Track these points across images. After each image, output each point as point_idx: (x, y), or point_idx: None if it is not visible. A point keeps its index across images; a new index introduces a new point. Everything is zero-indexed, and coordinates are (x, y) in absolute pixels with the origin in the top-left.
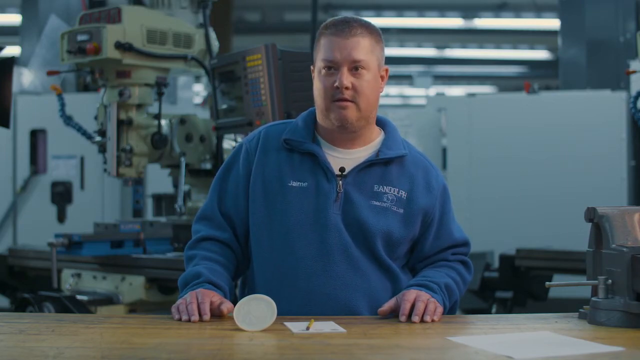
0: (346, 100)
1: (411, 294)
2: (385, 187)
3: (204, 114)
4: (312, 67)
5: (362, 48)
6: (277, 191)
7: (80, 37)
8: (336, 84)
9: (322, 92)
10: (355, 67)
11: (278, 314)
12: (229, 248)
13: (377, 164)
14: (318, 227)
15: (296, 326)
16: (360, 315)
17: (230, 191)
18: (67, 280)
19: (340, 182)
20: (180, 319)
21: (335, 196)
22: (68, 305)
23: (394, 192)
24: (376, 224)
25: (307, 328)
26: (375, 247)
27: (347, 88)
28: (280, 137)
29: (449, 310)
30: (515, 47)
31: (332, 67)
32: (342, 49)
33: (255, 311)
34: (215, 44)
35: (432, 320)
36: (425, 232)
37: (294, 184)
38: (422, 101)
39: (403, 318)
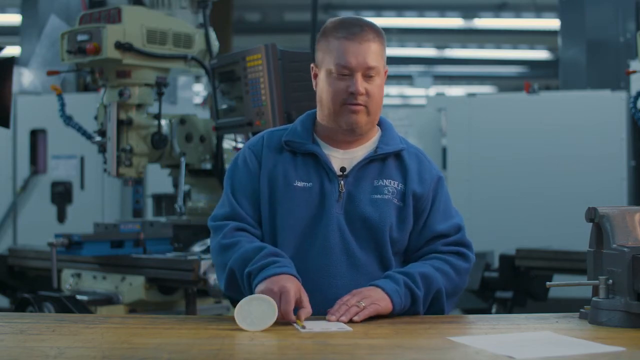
0: (359, 104)
1: (345, 297)
2: (384, 180)
3: (204, 114)
4: (313, 66)
5: (374, 53)
6: (282, 191)
7: (80, 37)
8: (351, 89)
9: (332, 96)
10: (368, 73)
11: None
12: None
13: (376, 160)
14: (321, 226)
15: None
16: None
17: (245, 193)
18: (67, 280)
19: (342, 182)
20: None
21: (337, 196)
22: (68, 305)
23: (393, 184)
24: (379, 217)
25: (303, 327)
26: (380, 242)
27: (361, 94)
28: (281, 141)
29: (432, 299)
30: (515, 47)
31: (345, 71)
32: (357, 54)
33: (256, 311)
34: (215, 44)
35: (352, 320)
36: (415, 224)
37: (299, 184)
38: (422, 101)
39: (332, 318)
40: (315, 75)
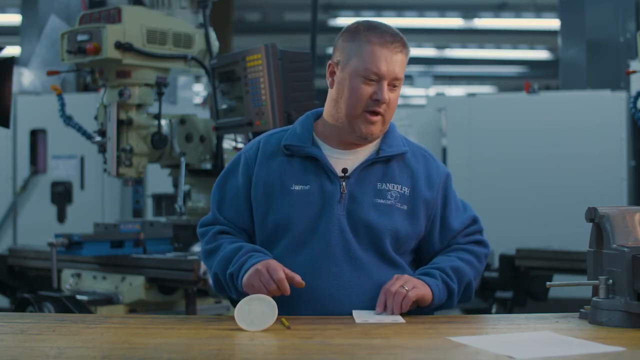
0: (378, 114)
1: (388, 284)
2: (388, 184)
3: (204, 114)
4: (331, 63)
5: (402, 64)
6: (279, 195)
7: (80, 37)
8: (377, 96)
9: (354, 99)
10: (394, 83)
11: (283, 314)
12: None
13: (379, 162)
14: (321, 227)
15: (360, 315)
16: None
17: (229, 201)
18: (67, 280)
19: (344, 183)
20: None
21: (339, 197)
22: (68, 305)
23: (397, 189)
24: (382, 223)
25: (288, 327)
26: (383, 245)
27: (385, 102)
28: (279, 144)
29: (464, 290)
30: (515, 47)
31: (374, 77)
32: (389, 63)
33: (256, 311)
34: (215, 44)
35: (400, 312)
36: (431, 229)
37: (297, 187)
38: (422, 101)
39: (380, 310)
40: (333, 74)
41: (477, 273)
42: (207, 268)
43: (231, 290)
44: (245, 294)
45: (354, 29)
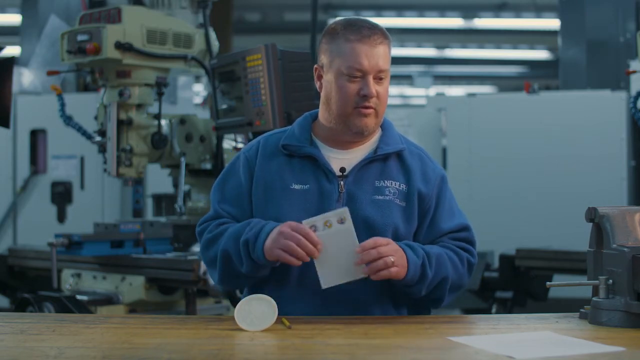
0: (370, 107)
1: (382, 241)
2: (386, 181)
3: (204, 114)
4: (317, 67)
5: (385, 56)
6: (279, 194)
7: (80, 37)
8: (364, 92)
9: (343, 98)
10: (379, 76)
11: (281, 314)
12: None
13: (376, 160)
14: None
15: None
16: (362, 315)
17: (231, 198)
18: (67, 280)
19: (342, 182)
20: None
21: (337, 196)
22: (68, 305)
23: (395, 185)
24: (381, 220)
25: (289, 327)
26: None
27: (373, 96)
28: (278, 145)
29: (437, 285)
30: (515, 47)
31: (358, 74)
32: (370, 57)
33: (256, 311)
34: (215, 44)
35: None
36: (419, 224)
37: (296, 186)
38: (422, 101)
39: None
40: (320, 77)
41: (458, 276)
42: (209, 258)
43: (244, 261)
44: (261, 264)
45: (332, 30)
